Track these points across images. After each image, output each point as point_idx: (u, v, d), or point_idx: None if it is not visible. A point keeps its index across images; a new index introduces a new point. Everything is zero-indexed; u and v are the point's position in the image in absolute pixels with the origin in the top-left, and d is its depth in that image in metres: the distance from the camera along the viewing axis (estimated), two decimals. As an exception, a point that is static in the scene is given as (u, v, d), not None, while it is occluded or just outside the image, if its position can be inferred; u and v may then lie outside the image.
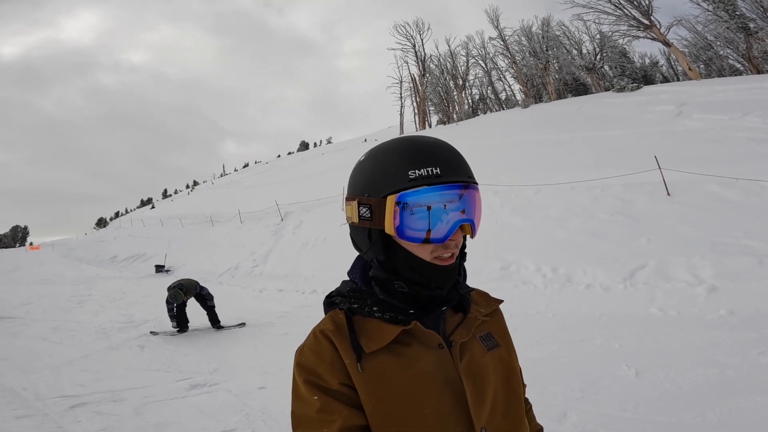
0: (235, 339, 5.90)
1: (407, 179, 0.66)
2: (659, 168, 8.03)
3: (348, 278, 0.80)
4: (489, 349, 0.75)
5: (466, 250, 0.78)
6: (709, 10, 24.89)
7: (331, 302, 0.78)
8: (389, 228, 0.67)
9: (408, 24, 42.86)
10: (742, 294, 4.77)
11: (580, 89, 32.93)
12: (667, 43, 25.98)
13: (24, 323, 7.20)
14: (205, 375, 4.34)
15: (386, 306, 0.72)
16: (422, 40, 41.03)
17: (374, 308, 0.72)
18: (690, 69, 24.59)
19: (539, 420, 0.92)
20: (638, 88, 21.92)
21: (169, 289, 6.47)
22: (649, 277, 5.72)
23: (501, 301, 0.85)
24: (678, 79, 29.90)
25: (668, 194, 7.56)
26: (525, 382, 0.89)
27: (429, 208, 0.66)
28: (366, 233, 0.72)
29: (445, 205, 0.66)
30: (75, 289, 11.54)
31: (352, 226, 0.75)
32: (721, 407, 2.77)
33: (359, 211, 0.70)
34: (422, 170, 0.66)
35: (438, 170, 0.66)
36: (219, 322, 6.56)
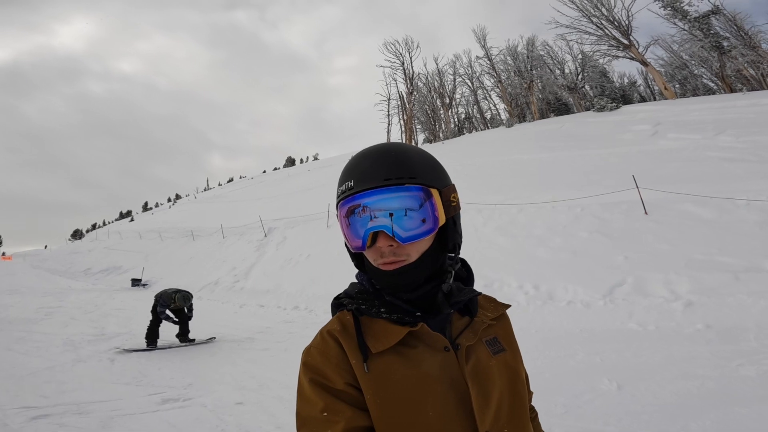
0: (211, 353, 5.68)
1: (337, 195, 0.73)
2: (637, 187, 8.30)
3: (356, 280, 0.81)
4: (495, 353, 0.74)
5: (454, 253, 0.77)
6: (684, 29, 26.52)
7: (338, 303, 0.78)
8: (344, 238, 0.74)
9: (398, 41, 43.78)
10: (718, 308, 4.90)
11: (561, 109, 34.18)
12: (644, 63, 27.46)
13: (-14, 334, 6.78)
14: (179, 389, 4.14)
15: (393, 307, 0.72)
16: (411, 58, 41.96)
17: (381, 309, 0.72)
18: (666, 88, 25.97)
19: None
20: (617, 107, 22.93)
21: (176, 291, 6.36)
22: (628, 294, 5.85)
23: (508, 306, 0.84)
24: (654, 98, 31.40)
25: (645, 213, 7.80)
26: (531, 390, 0.88)
27: (349, 218, 0.70)
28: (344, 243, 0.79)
29: (360, 214, 0.69)
30: (44, 301, 11.03)
31: None
32: (703, 419, 2.79)
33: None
34: (343, 185, 0.71)
35: (352, 183, 0.69)
36: (189, 333, 6.40)
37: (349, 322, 0.72)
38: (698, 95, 27.03)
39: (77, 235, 79.46)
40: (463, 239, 0.78)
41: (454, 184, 0.76)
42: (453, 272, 0.76)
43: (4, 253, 54.90)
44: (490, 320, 0.78)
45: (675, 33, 27.47)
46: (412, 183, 0.68)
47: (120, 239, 29.17)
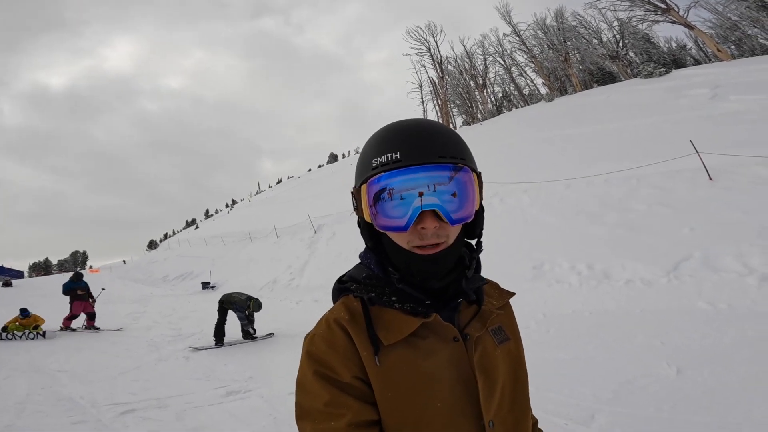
0: (270, 349, 6.11)
1: (371, 167, 0.65)
2: (696, 152, 7.52)
3: (360, 261, 0.77)
4: (500, 343, 0.73)
5: (481, 239, 0.74)
6: (725, -10, 23.54)
7: (343, 288, 0.75)
8: (366, 216, 0.67)
9: (420, 28, 42.84)
10: (798, 281, 4.37)
11: (606, 78, 31.64)
12: (689, 26, 24.78)
13: (87, 338, 7.86)
14: (241, 382, 4.54)
15: (404, 296, 0.69)
16: (437, 43, 41.18)
17: (393, 298, 0.69)
18: (719, 50, 23.24)
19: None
20: (667, 72, 20.88)
21: (249, 298, 6.84)
22: (695, 269, 5.36)
23: (513, 294, 0.82)
24: (709, 61, 28.10)
25: (710, 179, 7.06)
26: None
27: (389, 194, 0.63)
28: (357, 221, 0.73)
29: (405, 191, 0.62)
30: (131, 307, 12.38)
31: None
32: (769, 405, 2.56)
33: (352, 201, 0.72)
34: (383, 156, 0.63)
35: (397, 155, 0.62)
36: (254, 333, 6.90)
37: (357, 310, 0.69)
38: (757, 55, 23.64)
39: (152, 245, 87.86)
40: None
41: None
42: (477, 259, 0.74)
43: (91, 266, 62.44)
44: (497, 309, 0.76)
45: (716, -7, 24.33)
46: (463, 164, 0.64)
47: (189, 246, 31.72)
